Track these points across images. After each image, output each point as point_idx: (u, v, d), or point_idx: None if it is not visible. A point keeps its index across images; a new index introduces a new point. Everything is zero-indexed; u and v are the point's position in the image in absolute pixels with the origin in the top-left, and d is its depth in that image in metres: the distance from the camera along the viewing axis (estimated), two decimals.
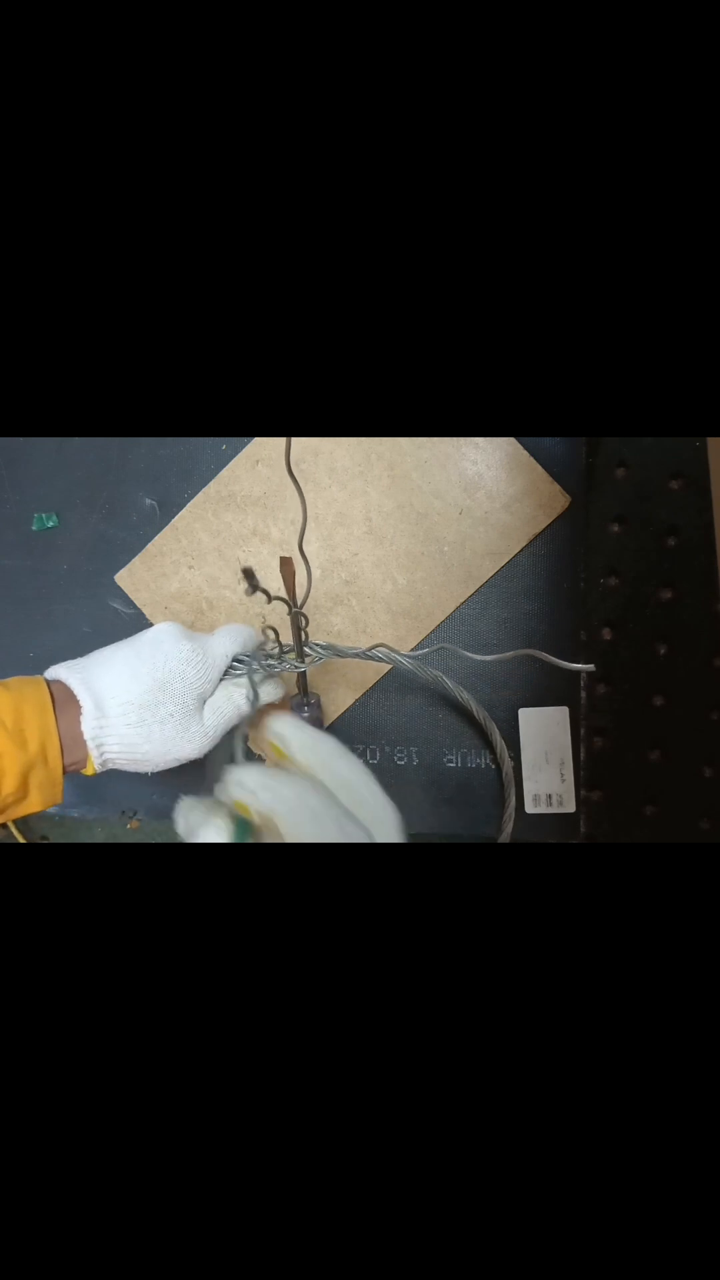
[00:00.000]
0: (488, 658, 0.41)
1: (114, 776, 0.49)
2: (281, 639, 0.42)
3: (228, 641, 0.40)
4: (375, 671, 0.48)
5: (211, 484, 0.49)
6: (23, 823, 0.52)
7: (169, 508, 0.50)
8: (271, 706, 0.42)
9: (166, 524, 0.50)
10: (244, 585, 0.35)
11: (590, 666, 0.38)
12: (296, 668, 0.41)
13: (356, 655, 0.42)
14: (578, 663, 0.38)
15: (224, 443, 0.49)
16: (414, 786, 0.48)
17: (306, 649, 0.41)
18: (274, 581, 0.40)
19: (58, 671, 0.38)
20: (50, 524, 0.50)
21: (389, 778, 0.48)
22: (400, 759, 0.48)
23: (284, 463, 0.39)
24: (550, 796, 0.47)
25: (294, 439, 0.48)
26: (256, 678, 0.41)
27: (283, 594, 0.40)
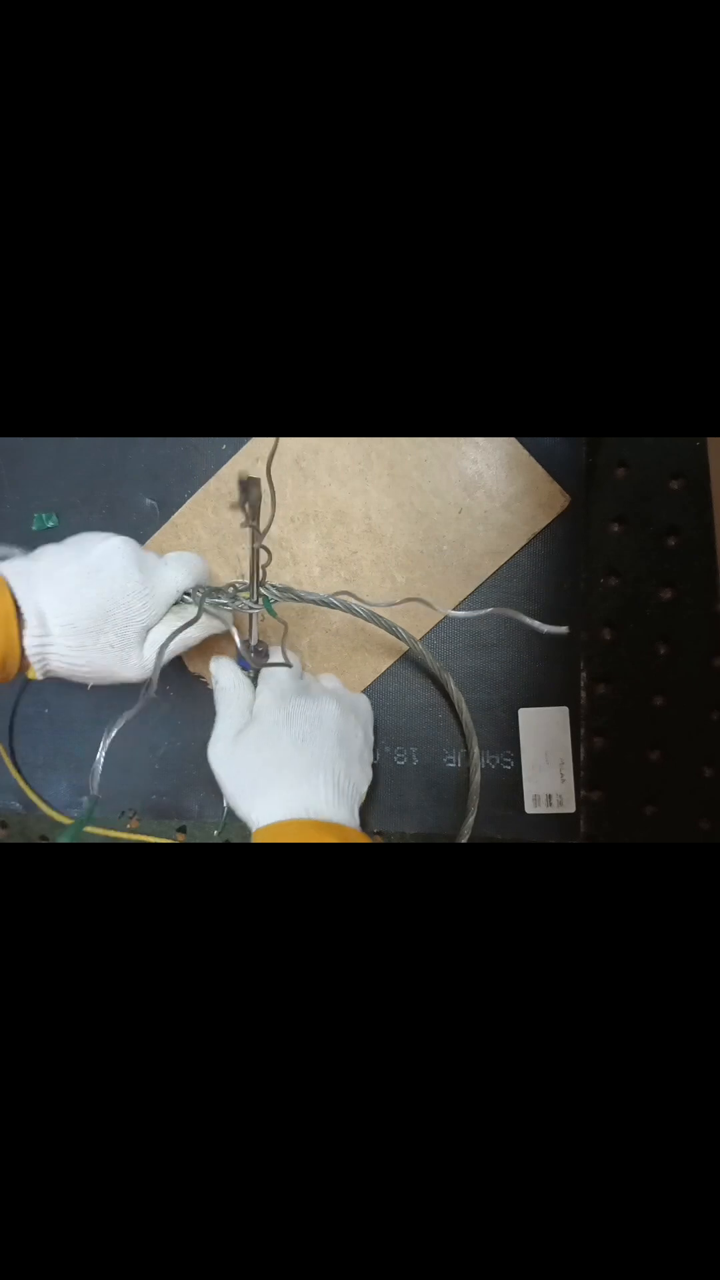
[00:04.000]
0: (459, 613, 0.43)
1: (114, 776, 0.49)
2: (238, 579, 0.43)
3: (179, 575, 0.40)
4: (373, 670, 0.48)
5: (211, 481, 0.49)
6: (39, 820, 0.52)
7: (169, 507, 0.50)
8: (216, 642, 0.44)
9: (166, 522, 0.50)
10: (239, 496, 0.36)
11: (564, 629, 0.39)
12: (248, 608, 0.40)
13: (315, 600, 0.43)
14: (550, 624, 0.39)
15: (224, 442, 0.49)
16: (414, 786, 0.48)
17: (262, 589, 0.40)
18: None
19: (4, 573, 0.37)
20: (50, 524, 0.50)
21: (389, 778, 0.48)
22: (400, 759, 0.48)
23: (284, 461, 0.39)
24: (550, 796, 0.47)
25: (294, 439, 0.48)
26: (202, 612, 0.40)
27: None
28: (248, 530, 0.39)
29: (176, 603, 0.40)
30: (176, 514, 0.49)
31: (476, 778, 0.46)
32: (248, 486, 0.37)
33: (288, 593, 0.42)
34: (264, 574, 0.41)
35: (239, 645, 0.41)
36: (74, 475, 0.50)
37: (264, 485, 0.37)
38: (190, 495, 0.49)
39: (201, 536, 0.49)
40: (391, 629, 0.46)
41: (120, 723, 0.35)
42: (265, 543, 0.40)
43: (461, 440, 0.47)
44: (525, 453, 0.47)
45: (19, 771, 0.51)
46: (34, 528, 0.51)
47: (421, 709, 0.48)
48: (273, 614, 0.42)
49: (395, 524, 0.48)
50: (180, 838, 0.51)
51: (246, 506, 0.37)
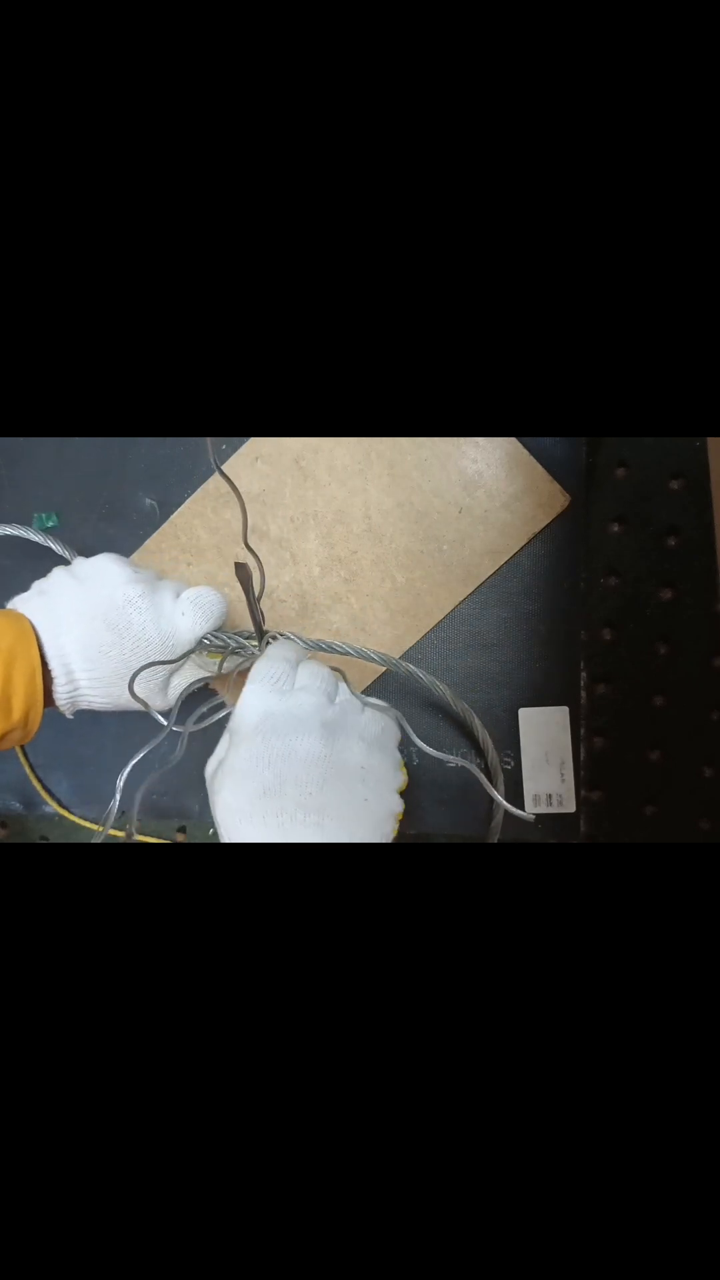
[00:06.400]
0: (429, 750, 0.40)
1: (113, 776, 0.49)
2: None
3: (197, 623, 0.41)
4: (373, 670, 0.48)
5: (210, 480, 0.49)
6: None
7: (169, 507, 0.50)
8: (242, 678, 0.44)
9: (165, 521, 0.50)
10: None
11: (531, 816, 0.39)
12: (254, 657, 0.42)
13: (311, 646, 0.44)
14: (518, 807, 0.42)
15: (223, 442, 0.49)
16: (414, 786, 0.48)
17: (269, 638, 0.42)
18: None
19: (36, 623, 0.38)
20: (50, 524, 0.50)
21: None
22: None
23: (284, 461, 0.39)
24: (550, 796, 0.47)
25: (294, 439, 0.48)
26: (224, 664, 0.43)
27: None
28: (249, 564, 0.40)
29: (195, 650, 0.42)
30: (175, 514, 0.49)
31: (500, 789, 0.47)
32: (242, 570, 0.38)
33: (314, 644, 0.43)
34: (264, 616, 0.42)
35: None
36: (74, 475, 0.50)
37: (249, 558, 0.38)
38: (190, 495, 0.49)
39: (201, 536, 0.49)
40: (412, 673, 0.46)
41: (139, 756, 0.37)
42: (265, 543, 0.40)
43: (461, 440, 0.47)
44: (525, 453, 0.47)
45: (34, 772, 0.51)
46: (34, 527, 0.51)
47: (421, 709, 0.48)
48: None
49: (395, 524, 0.48)
50: (180, 838, 0.51)
51: (253, 592, 0.39)
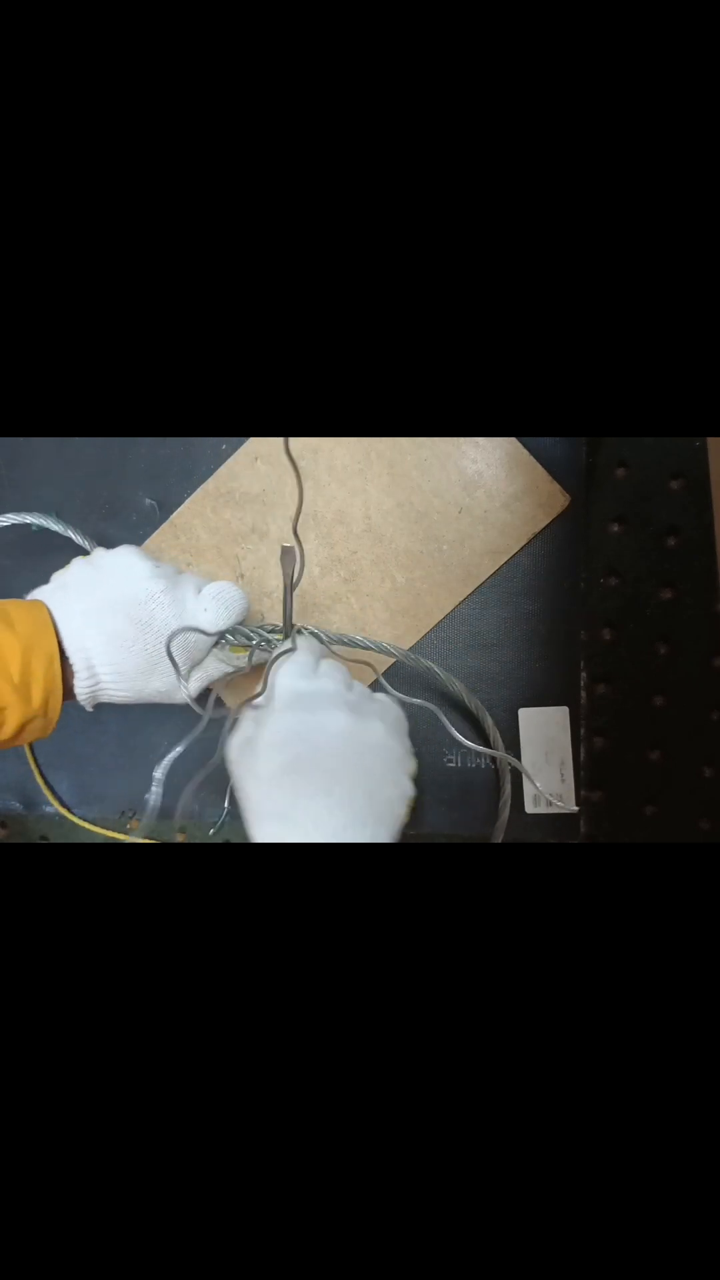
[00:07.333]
0: (473, 746, 0.42)
1: (114, 777, 0.49)
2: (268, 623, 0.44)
3: (219, 618, 0.41)
4: (381, 663, 0.48)
5: (210, 480, 0.49)
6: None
7: (169, 507, 0.50)
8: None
9: (165, 521, 0.50)
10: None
11: (572, 808, 0.39)
12: (285, 650, 0.42)
13: (338, 641, 0.44)
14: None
15: (223, 442, 0.49)
16: (415, 787, 0.48)
17: (298, 630, 0.42)
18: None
19: (55, 615, 0.38)
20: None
21: None
22: None
23: (284, 460, 0.39)
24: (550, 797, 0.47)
25: (294, 439, 0.48)
26: (244, 662, 0.43)
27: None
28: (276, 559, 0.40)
29: (217, 643, 0.42)
30: (175, 514, 0.49)
31: (507, 789, 0.47)
32: (287, 555, 0.38)
33: (337, 638, 0.44)
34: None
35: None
36: (74, 475, 0.50)
37: (295, 543, 0.38)
38: (190, 495, 0.49)
39: (201, 536, 0.49)
40: (428, 669, 0.46)
41: (175, 753, 0.37)
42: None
43: (461, 440, 0.47)
44: (525, 453, 0.47)
45: (41, 773, 0.51)
46: (34, 527, 0.51)
47: (422, 708, 0.48)
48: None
49: (395, 524, 0.48)
50: (180, 838, 0.51)
51: (292, 578, 0.39)
